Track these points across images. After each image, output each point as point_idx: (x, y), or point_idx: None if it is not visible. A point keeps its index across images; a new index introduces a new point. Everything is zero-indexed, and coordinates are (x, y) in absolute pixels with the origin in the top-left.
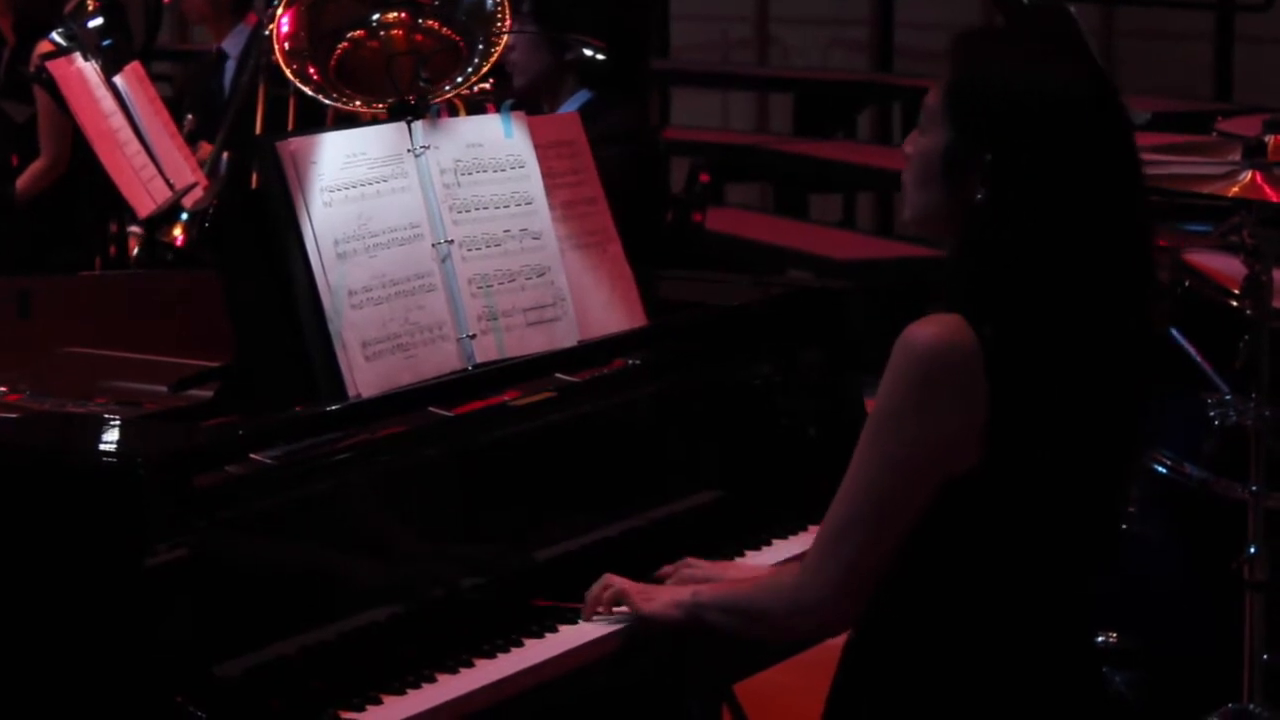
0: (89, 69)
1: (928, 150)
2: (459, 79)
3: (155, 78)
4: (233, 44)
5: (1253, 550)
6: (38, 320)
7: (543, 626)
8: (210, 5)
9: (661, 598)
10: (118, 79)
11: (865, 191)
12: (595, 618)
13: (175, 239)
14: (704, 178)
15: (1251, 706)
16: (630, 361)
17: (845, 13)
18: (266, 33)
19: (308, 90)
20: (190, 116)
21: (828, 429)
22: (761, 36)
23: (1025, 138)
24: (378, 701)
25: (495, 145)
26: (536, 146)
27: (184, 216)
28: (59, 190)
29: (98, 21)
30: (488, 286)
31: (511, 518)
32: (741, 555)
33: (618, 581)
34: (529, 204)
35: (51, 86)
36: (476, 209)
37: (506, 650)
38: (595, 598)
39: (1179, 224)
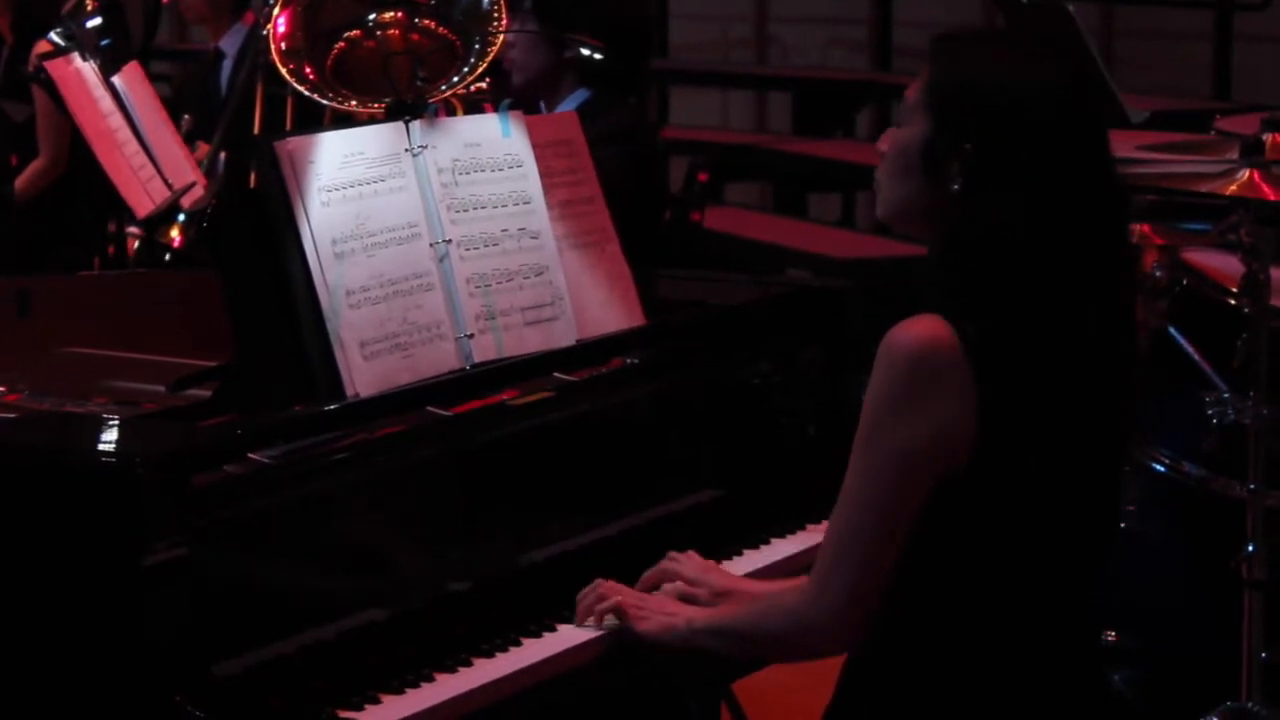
0: (87, 69)
1: (906, 142)
2: (455, 78)
3: (153, 77)
4: (230, 43)
5: (1251, 549)
6: (37, 320)
7: (541, 626)
8: (208, 5)
9: (656, 619)
10: (116, 79)
11: (864, 190)
12: (589, 624)
13: (173, 240)
14: (703, 177)
15: (1250, 705)
16: (629, 361)
17: (844, 12)
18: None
19: (304, 90)
20: (187, 116)
21: (827, 428)
22: (761, 36)
23: (1004, 129)
24: (376, 701)
25: (493, 144)
26: (534, 146)
27: (181, 218)
28: (58, 190)
29: (96, 21)
30: (486, 286)
31: (510, 517)
32: (740, 554)
33: (612, 593)
34: (527, 203)
35: (50, 86)
36: (474, 208)
37: (505, 650)
38: (588, 608)
39: (1177, 222)
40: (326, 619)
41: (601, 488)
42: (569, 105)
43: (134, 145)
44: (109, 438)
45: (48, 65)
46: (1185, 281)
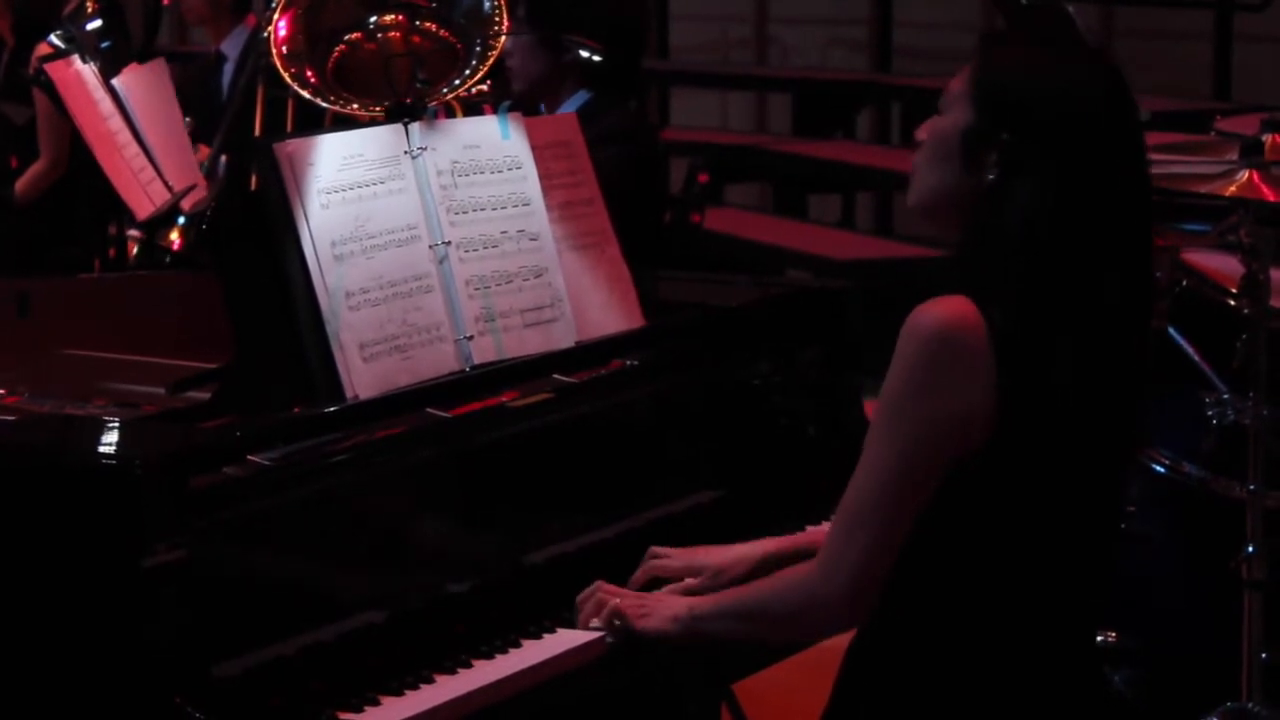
0: (87, 71)
1: (946, 129)
2: (456, 81)
3: None
4: (231, 46)
5: (1251, 549)
6: (36, 321)
7: (540, 627)
8: (209, 6)
9: (658, 613)
10: (116, 81)
11: (864, 191)
12: (592, 627)
13: (173, 243)
14: (703, 178)
15: (1250, 705)
16: (628, 362)
17: (844, 12)
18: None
19: (305, 94)
20: (188, 119)
21: (827, 429)
22: (760, 36)
23: (1043, 122)
24: (376, 702)
25: (492, 146)
26: (534, 148)
27: (181, 220)
28: (58, 192)
29: (96, 23)
30: (485, 288)
31: (509, 519)
32: None
33: (611, 597)
34: (526, 205)
35: (50, 89)
36: (474, 210)
37: (504, 651)
38: (589, 613)
39: (1177, 223)
40: (326, 620)
41: (601, 489)
42: (569, 107)
43: (134, 148)
44: (109, 439)
45: (48, 67)
46: (1185, 282)
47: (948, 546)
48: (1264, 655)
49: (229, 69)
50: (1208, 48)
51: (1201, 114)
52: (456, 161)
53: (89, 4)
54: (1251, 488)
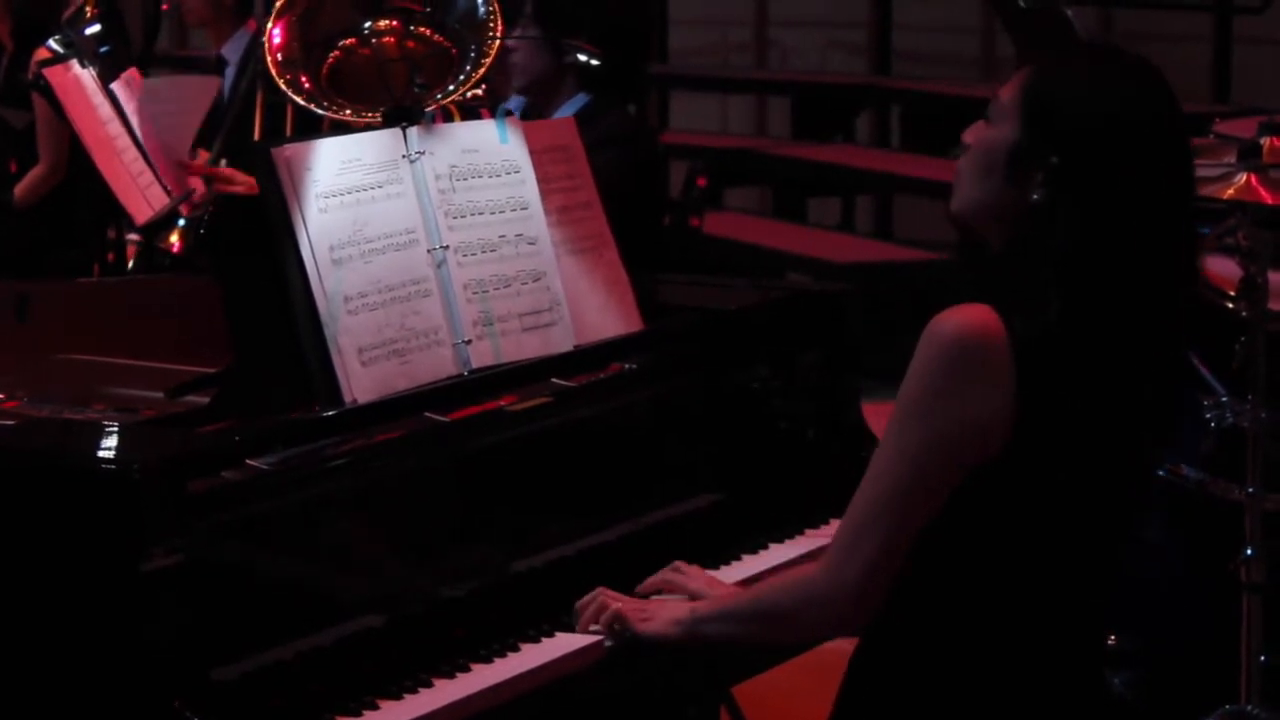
0: (86, 76)
1: (994, 142)
2: (452, 86)
3: None
4: (232, 50)
5: (1249, 552)
6: (35, 326)
7: (539, 631)
8: (210, 7)
9: (660, 616)
10: (115, 85)
11: (864, 194)
12: (592, 631)
13: (172, 246)
14: (702, 181)
15: (1249, 708)
16: (627, 366)
17: (843, 15)
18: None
19: (300, 100)
20: None
21: (826, 432)
22: (760, 40)
23: (1095, 148)
24: (374, 707)
25: (490, 150)
26: (532, 151)
27: (180, 224)
28: (57, 196)
29: (96, 28)
30: (483, 292)
31: (508, 522)
32: (738, 559)
33: (612, 601)
34: (524, 209)
35: (49, 93)
36: (472, 214)
37: (503, 655)
38: (589, 618)
39: None
40: (325, 624)
41: (600, 493)
42: (568, 110)
43: (133, 152)
44: (107, 444)
45: (47, 72)
46: None
47: (959, 554)
48: (1263, 658)
49: (231, 73)
50: (1207, 50)
51: (1200, 117)
52: (454, 166)
53: (88, 9)
54: (1250, 490)
